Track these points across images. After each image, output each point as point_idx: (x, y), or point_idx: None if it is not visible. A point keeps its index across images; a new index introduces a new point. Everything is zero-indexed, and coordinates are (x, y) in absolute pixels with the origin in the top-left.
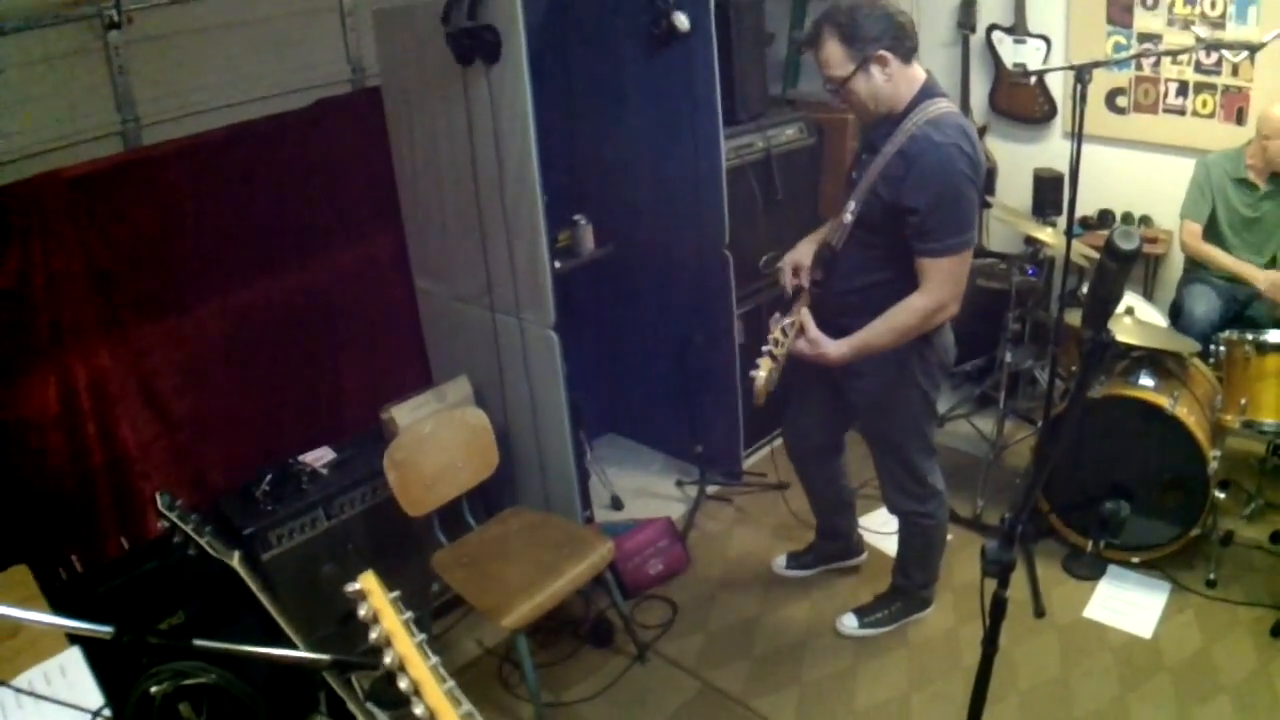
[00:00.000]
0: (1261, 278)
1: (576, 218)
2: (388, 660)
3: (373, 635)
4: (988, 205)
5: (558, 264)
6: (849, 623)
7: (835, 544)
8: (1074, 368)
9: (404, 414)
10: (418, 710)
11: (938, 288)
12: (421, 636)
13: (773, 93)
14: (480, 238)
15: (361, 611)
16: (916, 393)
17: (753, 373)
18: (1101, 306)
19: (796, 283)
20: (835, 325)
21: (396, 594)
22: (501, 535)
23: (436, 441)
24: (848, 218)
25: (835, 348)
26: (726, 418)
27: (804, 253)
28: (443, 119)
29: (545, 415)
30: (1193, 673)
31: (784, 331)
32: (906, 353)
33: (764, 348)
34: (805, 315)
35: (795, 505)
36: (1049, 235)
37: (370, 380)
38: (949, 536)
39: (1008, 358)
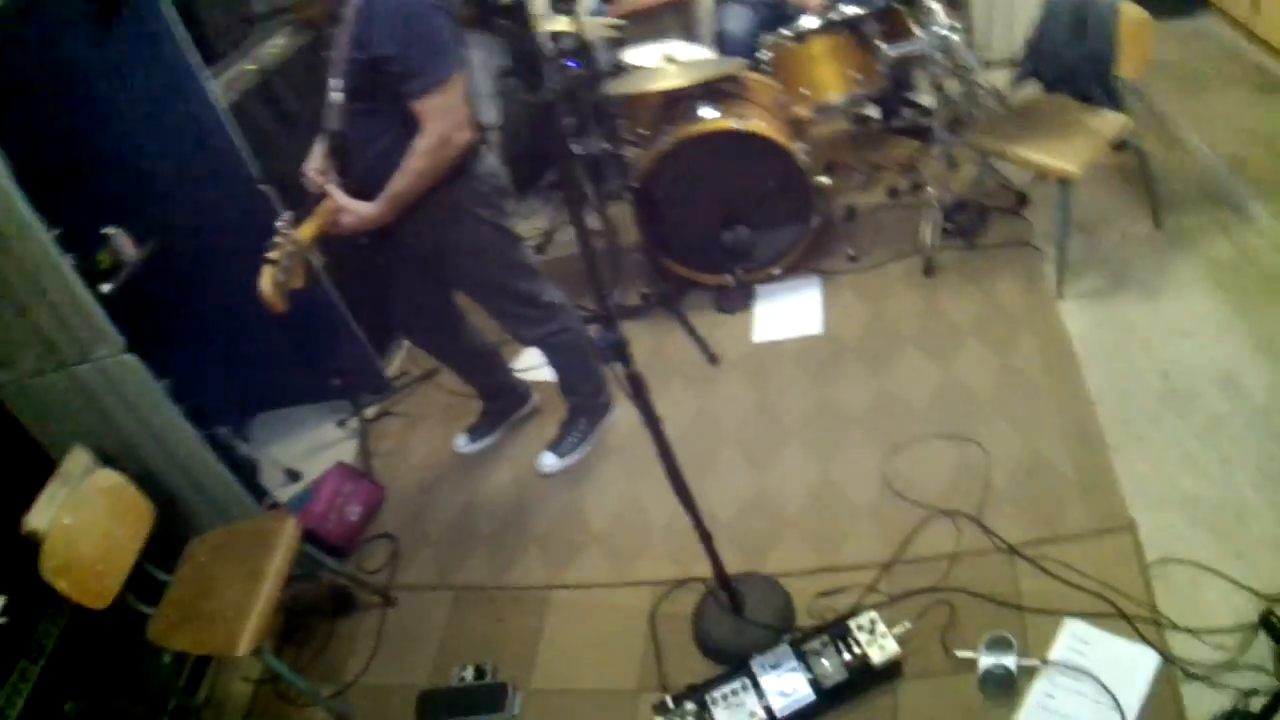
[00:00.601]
0: None
1: (105, 231)
2: None
3: None
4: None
5: (107, 286)
6: (549, 461)
7: (502, 400)
8: (639, 129)
9: (40, 517)
10: None
11: (436, 123)
12: None
13: (259, 10)
14: (17, 304)
15: None
16: (488, 228)
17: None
18: (528, 64)
19: (321, 183)
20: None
21: None
22: (195, 571)
23: (82, 524)
24: (336, 96)
25: (371, 207)
26: (345, 340)
27: (316, 155)
28: None
29: (170, 437)
30: (874, 341)
31: (280, 235)
32: (456, 196)
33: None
34: (332, 191)
35: (451, 384)
36: (568, 23)
37: None
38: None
39: (578, 150)
